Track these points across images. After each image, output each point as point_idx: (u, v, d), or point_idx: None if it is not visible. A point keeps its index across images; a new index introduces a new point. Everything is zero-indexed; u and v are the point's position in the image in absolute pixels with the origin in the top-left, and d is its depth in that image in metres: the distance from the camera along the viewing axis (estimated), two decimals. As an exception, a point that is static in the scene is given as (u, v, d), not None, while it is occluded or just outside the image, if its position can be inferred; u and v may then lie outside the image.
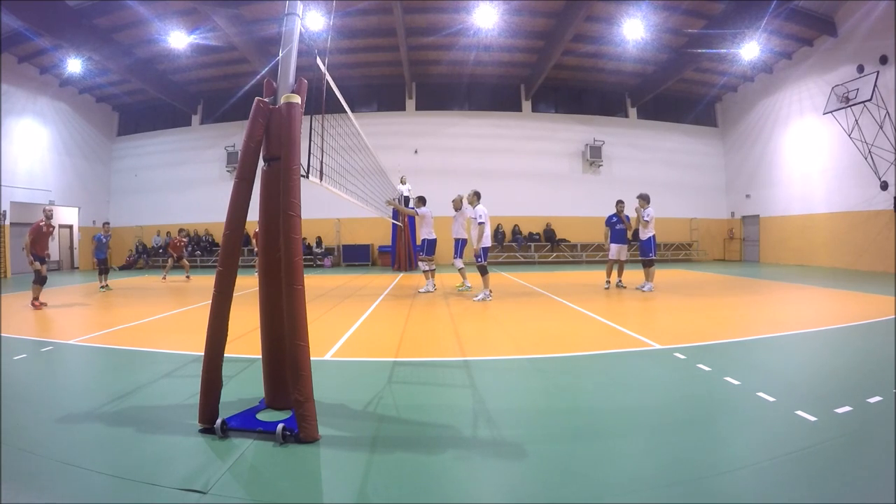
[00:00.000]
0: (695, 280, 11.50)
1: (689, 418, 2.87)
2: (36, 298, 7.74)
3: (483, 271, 8.14)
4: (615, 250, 9.73)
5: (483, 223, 7.97)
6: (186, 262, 13.65)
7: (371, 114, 18.64)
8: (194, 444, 2.52)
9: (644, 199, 9.27)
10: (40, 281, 7.86)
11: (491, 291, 8.20)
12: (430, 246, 9.42)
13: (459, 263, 9.09)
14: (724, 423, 2.83)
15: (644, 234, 9.24)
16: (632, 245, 10.37)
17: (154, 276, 14.73)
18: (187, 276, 13.34)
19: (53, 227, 8.42)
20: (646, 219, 9.10)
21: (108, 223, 11.97)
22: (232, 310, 2.81)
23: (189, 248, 14.36)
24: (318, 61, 3.57)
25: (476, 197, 8.16)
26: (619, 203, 9.83)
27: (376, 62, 17.30)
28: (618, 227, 9.72)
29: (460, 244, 8.93)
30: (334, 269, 17.36)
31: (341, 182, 5.11)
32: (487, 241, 8.15)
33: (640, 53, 16.03)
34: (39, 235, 7.95)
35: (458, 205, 9.00)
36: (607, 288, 9.47)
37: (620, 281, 9.73)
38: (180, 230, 14.27)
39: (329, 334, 5.29)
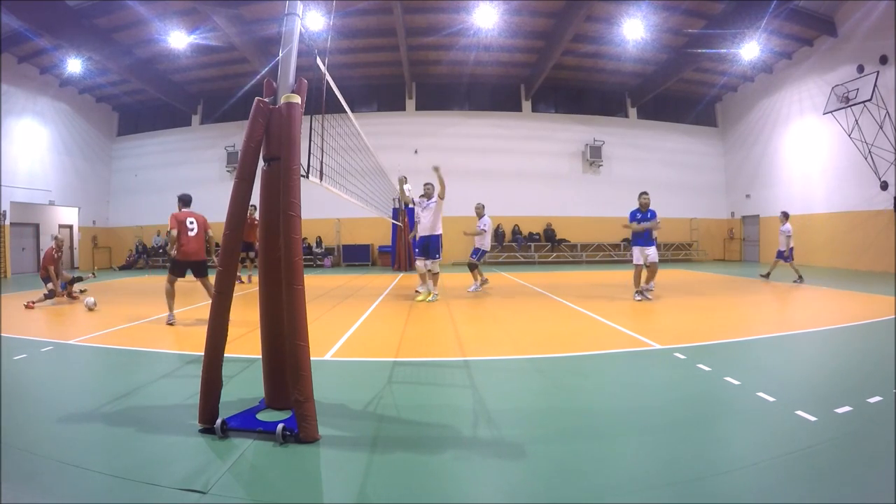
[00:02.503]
0: (695, 280, 11.49)
1: (689, 418, 2.87)
2: (33, 301, 7.96)
3: (473, 267, 9.43)
4: (638, 253, 7.94)
5: (485, 230, 9.37)
6: None
7: (371, 114, 18.63)
8: (194, 444, 2.52)
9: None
10: (50, 296, 8.33)
11: (481, 283, 9.42)
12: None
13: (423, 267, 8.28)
14: (724, 423, 2.83)
15: None
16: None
17: (159, 277, 14.71)
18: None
19: (62, 254, 8.95)
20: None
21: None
22: (232, 310, 2.81)
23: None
24: (318, 61, 3.57)
25: (482, 208, 9.49)
26: (644, 195, 8.20)
27: (376, 62, 17.29)
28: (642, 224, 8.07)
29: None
30: (334, 269, 17.35)
31: (341, 182, 5.11)
32: (487, 246, 9.53)
33: (640, 53, 16.02)
34: (53, 262, 8.53)
35: (429, 191, 8.30)
36: (639, 299, 7.68)
37: (648, 288, 7.99)
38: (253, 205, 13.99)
39: (329, 334, 5.28)
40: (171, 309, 6.17)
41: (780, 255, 10.66)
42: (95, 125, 19.37)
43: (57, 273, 8.63)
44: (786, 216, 10.79)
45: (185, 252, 6.24)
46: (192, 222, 6.34)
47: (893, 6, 12.20)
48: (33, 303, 7.90)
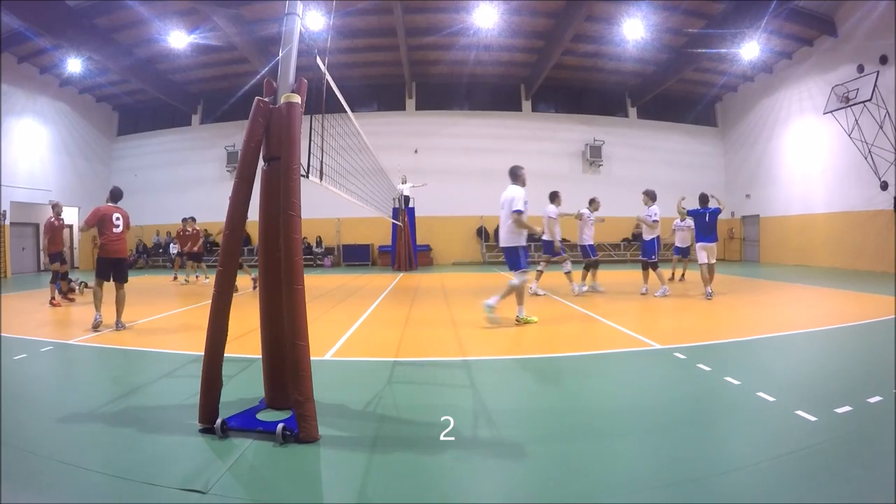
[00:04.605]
0: (695, 280, 11.48)
1: (689, 418, 2.87)
2: (53, 297, 7.91)
3: (594, 266, 9.21)
4: (702, 249, 8.42)
5: (588, 219, 9.31)
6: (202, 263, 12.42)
7: (371, 114, 18.63)
8: (194, 444, 2.52)
9: (650, 197, 9.10)
10: (55, 279, 8.08)
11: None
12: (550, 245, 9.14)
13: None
14: (724, 422, 2.83)
15: (648, 235, 9.07)
16: (632, 245, 10.22)
17: (161, 276, 14.71)
18: (206, 278, 12.03)
19: (63, 220, 8.44)
20: (655, 219, 8.96)
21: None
22: (232, 310, 2.81)
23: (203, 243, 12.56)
24: (318, 61, 3.57)
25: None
26: (709, 197, 8.82)
27: (376, 62, 17.29)
28: (708, 219, 8.56)
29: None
30: (334, 269, 17.36)
31: (341, 182, 5.11)
32: (589, 239, 9.34)
33: (640, 53, 16.01)
34: (54, 232, 8.10)
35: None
36: (711, 297, 7.84)
37: (710, 291, 7.99)
38: (183, 220, 12.07)
39: (329, 334, 5.28)
40: (98, 309, 5.78)
41: (676, 251, 11.79)
42: (95, 125, 19.37)
43: (59, 244, 8.11)
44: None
45: (109, 249, 5.77)
46: (118, 218, 5.86)
47: (893, 6, 12.19)
48: (55, 299, 7.85)
